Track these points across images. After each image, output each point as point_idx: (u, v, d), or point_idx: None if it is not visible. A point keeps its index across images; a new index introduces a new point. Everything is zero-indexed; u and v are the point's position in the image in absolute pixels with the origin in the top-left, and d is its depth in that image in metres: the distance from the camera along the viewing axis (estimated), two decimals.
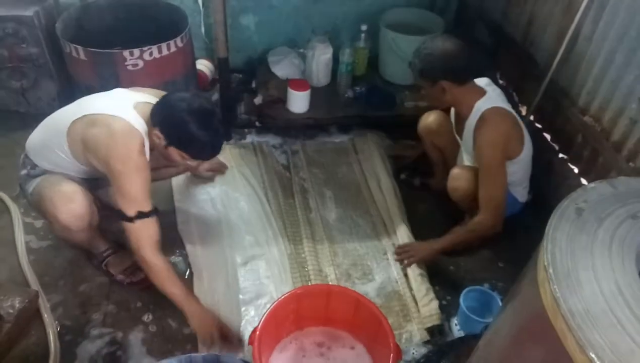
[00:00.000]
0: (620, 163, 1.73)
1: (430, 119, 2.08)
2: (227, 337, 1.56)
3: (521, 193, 1.95)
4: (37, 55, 2.33)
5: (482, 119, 1.72)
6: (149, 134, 1.51)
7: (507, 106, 1.80)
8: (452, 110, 1.99)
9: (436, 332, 1.74)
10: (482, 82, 1.83)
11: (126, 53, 2.10)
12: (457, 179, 1.87)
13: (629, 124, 1.70)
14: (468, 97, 1.77)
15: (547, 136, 2.17)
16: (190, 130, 1.42)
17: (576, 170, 1.99)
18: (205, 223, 2.07)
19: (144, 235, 1.49)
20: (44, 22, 2.30)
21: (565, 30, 1.96)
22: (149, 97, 1.59)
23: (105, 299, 1.77)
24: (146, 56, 2.13)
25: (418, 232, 2.04)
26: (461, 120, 1.86)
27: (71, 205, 1.54)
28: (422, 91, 1.84)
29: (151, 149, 1.55)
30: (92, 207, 1.62)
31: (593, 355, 0.72)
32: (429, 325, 1.73)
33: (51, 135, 1.58)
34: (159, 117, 1.47)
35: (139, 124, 1.50)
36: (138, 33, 2.36)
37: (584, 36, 1.89)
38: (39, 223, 2.01)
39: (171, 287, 1.54)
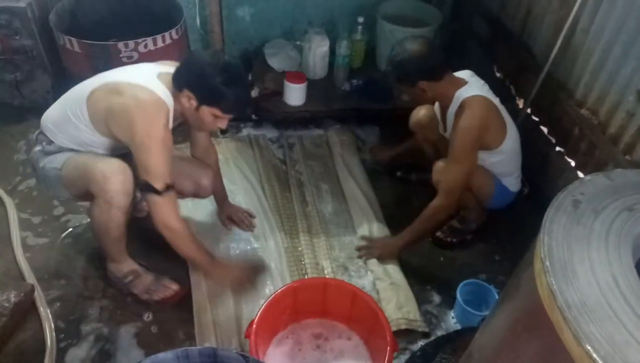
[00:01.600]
0: (617, 156, 1.73)
1: (420, 113, 2.08)
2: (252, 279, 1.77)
3: (512, 183, 1.95)
4: (31, 47, 2.31)
5: (461, 106, 1.74)
6: (177, 100, 1.49)
7: (490, 95, 1.80)
8: (437, 104, 1.99)
9: (434, 325, 1.75)
10: (464, 74, 1.84)
11: (121, 45, 2.08)
12: (439, 172, 1.89)
13: (625, 116, 1.70)
14: (449, 90, 1.79)
15: (544, 129, 2.17)
16: (220, 84, 1.42)
17: (573, 164, 1.99)
18: (201, 218, 2.06)
19: (172, 206, 1.50)
20: (38, 13, 2.27)
21: (562, 23, 1.95)
22: (170, 68, 1.53)
23: (101, 294, 1.76)
24: (141, 48, 2.12)
25: None
26: (444, 111, 1.88)
27: (121, 177, 1.48)
28: (403, 95, 1.85)
29: (177, 117, 1.55)
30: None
31: (589, 347, 0.72)
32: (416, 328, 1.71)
33: (70, 106, 1.53)
34: (187, 77, 1.45)
35: (165, 95, 1.47)
36: (133, 25, 2.34)
37: (582, 28, 1.89)
38: (36, 220, 2.00)
39: (197, 251, 1.60)
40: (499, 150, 1.81)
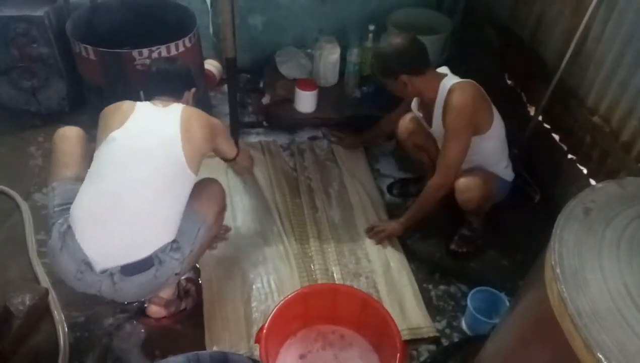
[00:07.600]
0: (629, 164, 1.72)
1: (406, 120, 2.09)
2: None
3: (505, 173, 1.95)
4: (48, 55, 2.35)
5: (450, 92, 1.75)
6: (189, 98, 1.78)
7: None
8: (415, 103, 2.00)
9: (444, 333, 1.74)
10: (443, 69, 1.87)
11: (135, 53, 2.12)
12: (466, 190, 1.84)
13: (638, 124, 1.69)
14: (431, 83, 1.81)
15: (556, 137, 2.16)
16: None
17: (585, 171, 1.98)
18: None
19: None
20: (54, 22, 2.32)
21: (574, 31, 1.95)
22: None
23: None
24: (155, 56, 2.15)
25: (423, 239, 2.07)
26: (428, 106, 1.89)
27: None
28: (388, 88, 1.89)
29: None
30: None
31: (600, 356, 0.71)
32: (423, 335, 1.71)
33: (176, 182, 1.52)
34: (188, 78, 1.75)
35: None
36: (147, 33, 2.37)
37: (593, 36, 1.88)
38: None
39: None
40: (490, 134, 1.82)
